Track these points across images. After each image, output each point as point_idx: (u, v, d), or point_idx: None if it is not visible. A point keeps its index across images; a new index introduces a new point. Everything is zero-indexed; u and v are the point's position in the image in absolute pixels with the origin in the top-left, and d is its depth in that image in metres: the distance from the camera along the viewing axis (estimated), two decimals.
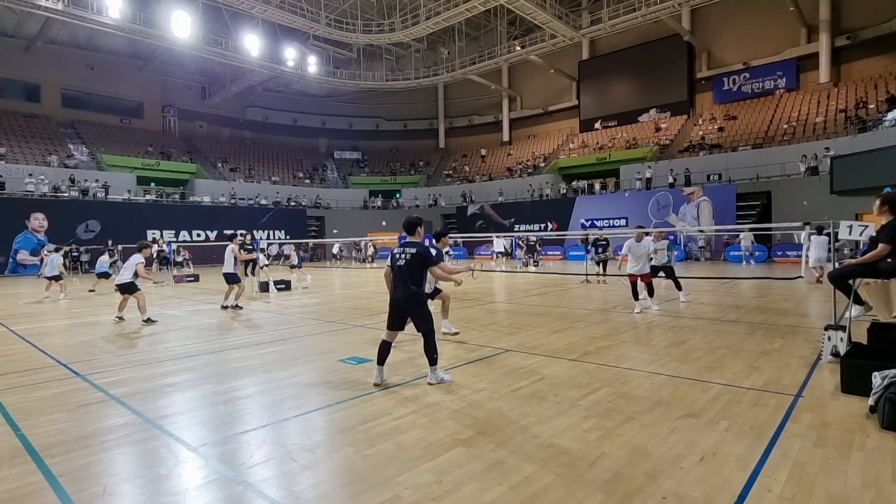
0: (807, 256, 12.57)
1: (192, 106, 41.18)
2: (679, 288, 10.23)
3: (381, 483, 2.81)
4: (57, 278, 13.24)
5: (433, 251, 6.42)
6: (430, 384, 4.62)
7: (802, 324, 7.50)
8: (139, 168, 31.68)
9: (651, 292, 9.25)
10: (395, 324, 4.71)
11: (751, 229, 20.82)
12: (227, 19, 31.77)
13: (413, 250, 4.62)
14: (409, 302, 4.59)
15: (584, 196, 31.12)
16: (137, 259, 9.13)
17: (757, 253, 21.67)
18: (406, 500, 2.63)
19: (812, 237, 12.62)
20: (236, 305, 10.66)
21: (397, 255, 4.68)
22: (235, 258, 10.65)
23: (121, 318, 9.21)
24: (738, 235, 22.08)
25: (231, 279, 10.58)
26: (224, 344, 6.92)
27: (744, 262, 21.09)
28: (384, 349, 4.75)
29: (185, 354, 6.31)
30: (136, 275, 9.07)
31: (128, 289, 9.06)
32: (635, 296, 8.99)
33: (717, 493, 2.61)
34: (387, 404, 4.17)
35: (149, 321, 8.85)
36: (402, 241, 4.89)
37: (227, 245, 10.83)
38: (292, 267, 18.87)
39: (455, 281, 5.00)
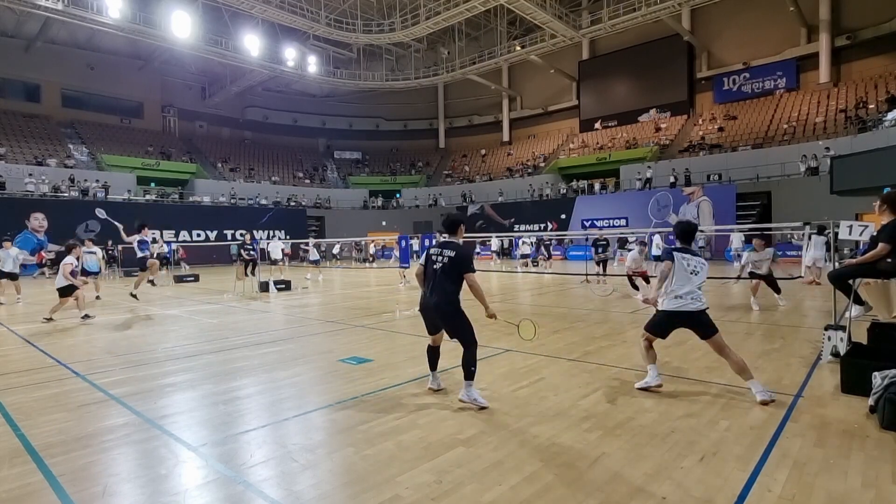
0: (803, 256, 12.59)
1: (192, 106, 41.18)
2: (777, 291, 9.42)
3: (381, 483, 2.81)
4: (13, 277, 12.74)
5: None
6: (460, 400, 4.08)
7: (802, 324, 7.51)
8: (139, 168, 31.68)
9: (648, 281, 10.87)
10: (433, 329, 4.32)
11: (750, 230, 20.80)
12: (227, 19, 31.77)
13: (452, 253, 4.10)
14: (444, 311, 4.10)
15: (584, 196, 31.13)
16: (67, 260, 9.36)
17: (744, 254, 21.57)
18: (406, 500, 2.63)
19: (812, 236, 12.62)
20: (133, 295, 11.06)
21: (434, 258, 4.17)
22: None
23: (88, 316, 9.33)
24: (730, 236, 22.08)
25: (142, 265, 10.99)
26: (224, 344, 6.92)
27: (735, 263, 21.06)
28: (433, 354, 4.43)
29: (185, 354, 6.31)
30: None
31: (67, 292, 9.22)
32: (636, 287, 11.07)
33: (717, 493, 2.61)
34: (386, 404, 4.17)
35: (86, 318, 9.16)
36: (429, 245, 4.52)
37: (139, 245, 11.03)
38: (312, 262, 18.96)
39: (487, 311, 4.17)
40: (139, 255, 11.01)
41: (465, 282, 4.10)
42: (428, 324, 4.31)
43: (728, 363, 4.21)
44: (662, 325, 4.38)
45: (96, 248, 12.77)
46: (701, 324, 4.24)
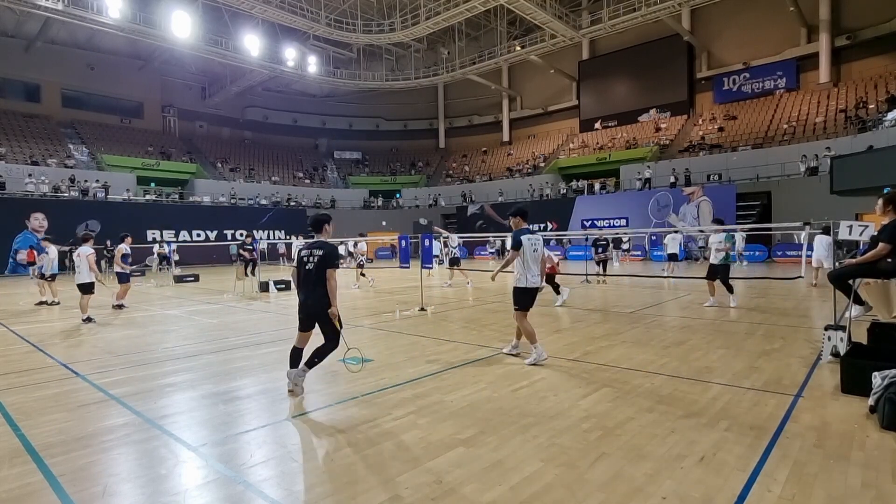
0: (808, 256, 12.63)
1: (192, 106, 41.16)
2: (730, 291, 9.34)
3: (381, 483, 2.81)
4: None
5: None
6: (290, 391, 4.45)
7: (802, 324, 7.50)
8: (139, 168, 31.68)
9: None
10: (307, 326, 4.52)
11: (750, 229, 20.81)
12: (227, 19, 31.76)
13: (320, 252, 4.37)
14: (318, 307, 4.34)
15: (584, 196, 31.13)
16: (88, 251, 9.11)
17: (746, 254, 21.64)
18: (406, 500, 2.63)
19: (816, 237, 12.75)
20: (120, 305, 10.81)
21: (305, 258, 4.42)
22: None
23: (90, 319, 8.92)
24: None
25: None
26: (224, 344, 6.92)
27: (737, 263, 21.10)
28: (295, 355, 4.53)
29: (185, 354, 6.31)
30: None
31: (89, 289, 9.07)
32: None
33: (717, 493, 2.61)
34: (386, 404, 4.17)
35: (88, 320, 8.88)
36: (310, 241, 4.64)
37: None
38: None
39: (332, 306, 4.36)
40: (123, 269, 10.76)
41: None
42: (301, 320, 4.52)
43: (522, 330, 5.47)
44: (530, 300, 5.46)
45: (53, 248, 11.61)
46: (534, 298, 5.45)
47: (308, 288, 4.40)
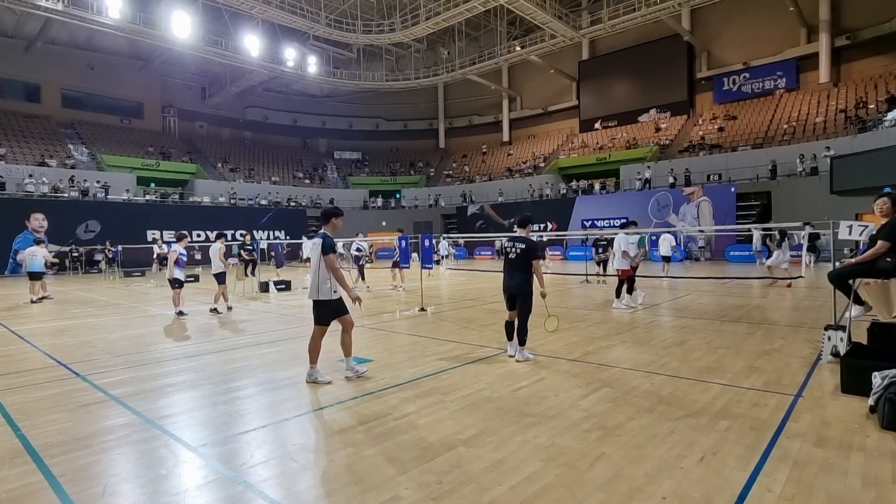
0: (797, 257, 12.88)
1: (192, 106, 41.14)
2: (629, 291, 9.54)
3: (381, 483, 2.81)
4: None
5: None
6: (517, 361, 5.38)
7: (802, 324, 7.50)
8: (139, 168, 31.67)
9: (628, 289, 9.62)
10: (511, 305, 5.51)
11: (749, 229, 20.83)
12: (227, 19, 31.76)
13: (522, 245, 5.33)
14: (518, 288, 5.35)
15: (584, 196, 31.13)
16: (172, 248, 9.75)
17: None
18: (406, 500, 2.63)
19: (784, 242, 13.20)
20: (220, 308, 10.07)
21: (508, 250, 5.45)
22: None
23: (181, 313, 9.60)
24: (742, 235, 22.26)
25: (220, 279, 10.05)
26: (224, 344, 6.92)
27: (757, 262, 21.16)
28: (508, 328, 5.63)
29: (185, 354, 6.31)
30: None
31: (173, 285, 9.72)
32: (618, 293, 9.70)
33: (717, 493, 2.61)
34: (387, 404, 4.17)
35: (180, 314, 9.55)
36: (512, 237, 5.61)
37: (214, 244, 10.24)
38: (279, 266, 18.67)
39: (542, 290, 5.40)
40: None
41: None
42: (507, 301, 5.53)
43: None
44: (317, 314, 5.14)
45: (38, 249, 12.19)
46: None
47: (511, 273, 5.38)
